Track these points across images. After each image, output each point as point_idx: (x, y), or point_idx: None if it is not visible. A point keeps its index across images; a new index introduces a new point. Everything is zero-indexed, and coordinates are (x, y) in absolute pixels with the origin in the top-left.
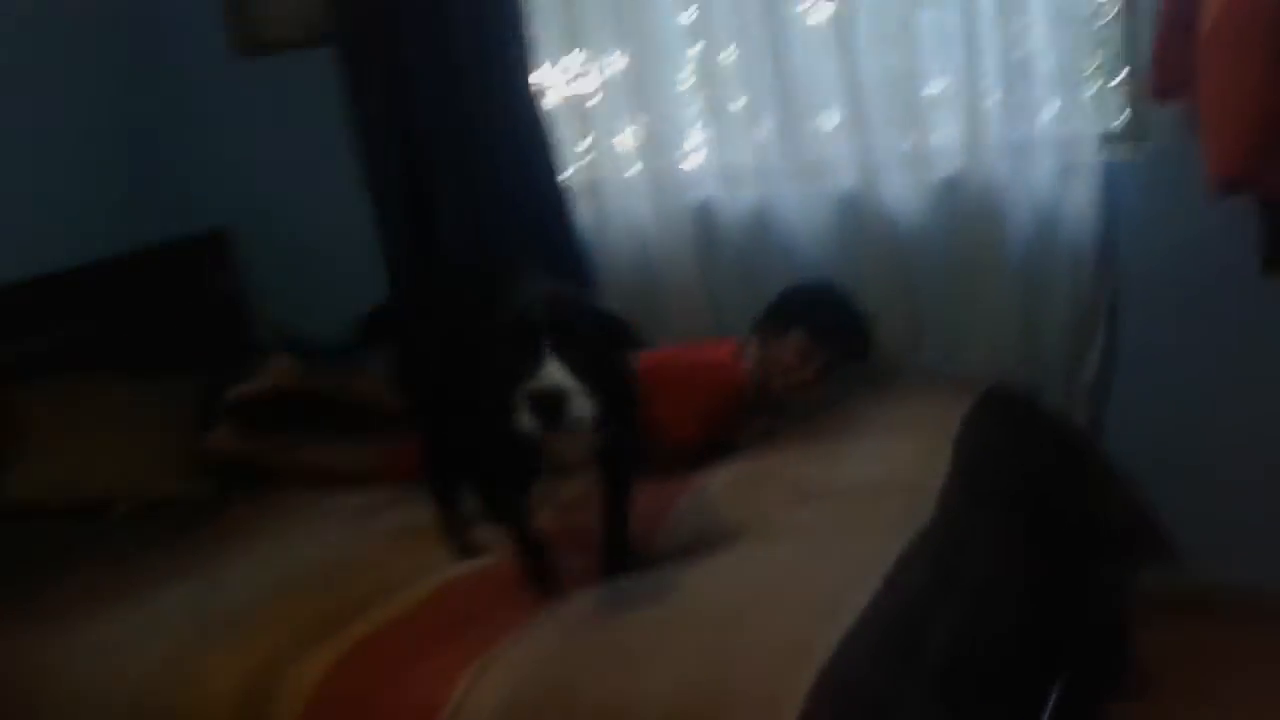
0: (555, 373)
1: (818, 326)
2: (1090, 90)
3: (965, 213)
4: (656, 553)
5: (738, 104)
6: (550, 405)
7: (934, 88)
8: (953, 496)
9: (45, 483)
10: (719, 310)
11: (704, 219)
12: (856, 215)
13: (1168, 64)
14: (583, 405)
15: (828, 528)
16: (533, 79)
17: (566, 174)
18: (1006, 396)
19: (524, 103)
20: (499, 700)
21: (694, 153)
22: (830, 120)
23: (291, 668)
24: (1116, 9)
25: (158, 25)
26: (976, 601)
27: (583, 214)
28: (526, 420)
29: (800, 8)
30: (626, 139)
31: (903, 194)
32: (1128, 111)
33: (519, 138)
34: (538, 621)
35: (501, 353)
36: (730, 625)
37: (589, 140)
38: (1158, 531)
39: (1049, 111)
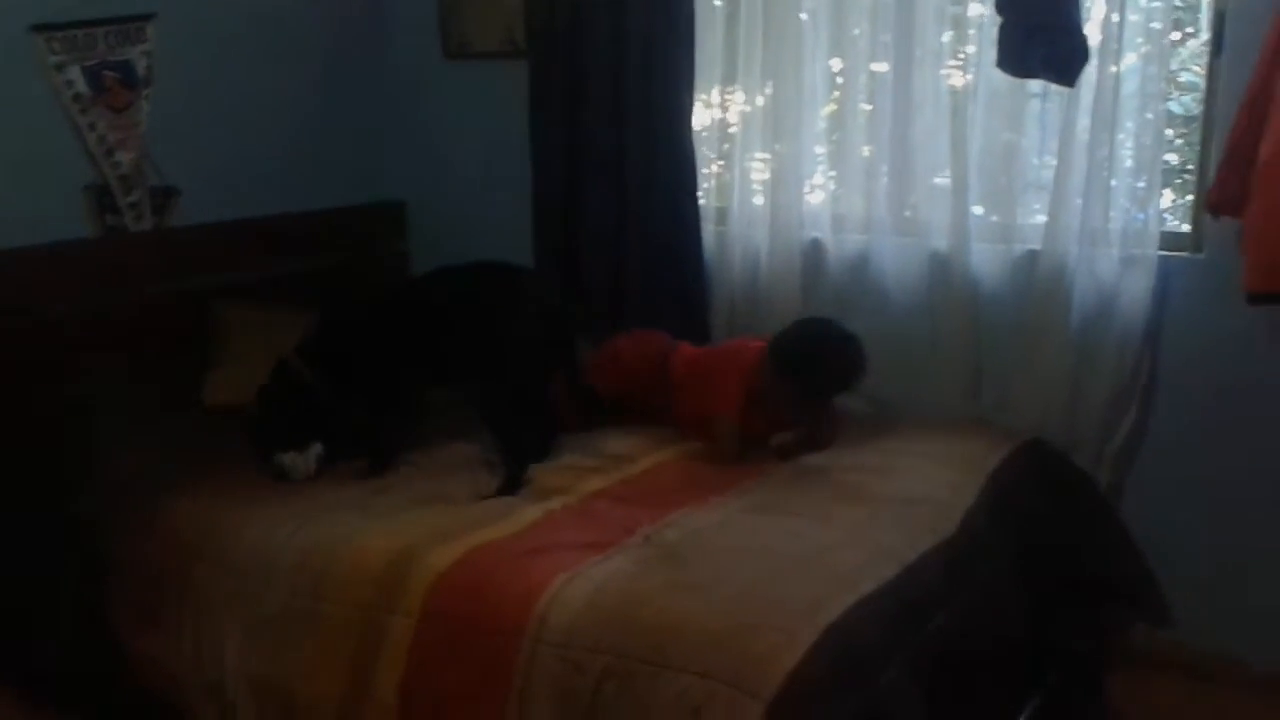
0: None
1: (809, 387)
2: (1161, 194)
3: (1038, 285)
4: (725, 509)
5: (864, 153)
6: None
7: (1029, 170)
8: (977, 518)
9: (235, 386)
10: None
11: (813, 255)
12: (945, 273)
13: (1227, 184)
14: None
15: (866, 522)
16: (689, 106)
17: (701, 194)
18: (1043, 449)
19: (678, 127)
20: (582, 601)
21: (818, 191)
22: (939, 183)
23: (424, 556)
24: (1195, 131)
25: (387, 27)
26: (979, 608)
27: (710, 233)
28: None
29: (938, 73)
30: (758, 170)
31: (988, 260)
32: (1190, 218)
33: (668, 158)
34: (619, 549)
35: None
36: (768, 577)
37: (724, 166)
38: (1156, 591)
39: (1124, 206)
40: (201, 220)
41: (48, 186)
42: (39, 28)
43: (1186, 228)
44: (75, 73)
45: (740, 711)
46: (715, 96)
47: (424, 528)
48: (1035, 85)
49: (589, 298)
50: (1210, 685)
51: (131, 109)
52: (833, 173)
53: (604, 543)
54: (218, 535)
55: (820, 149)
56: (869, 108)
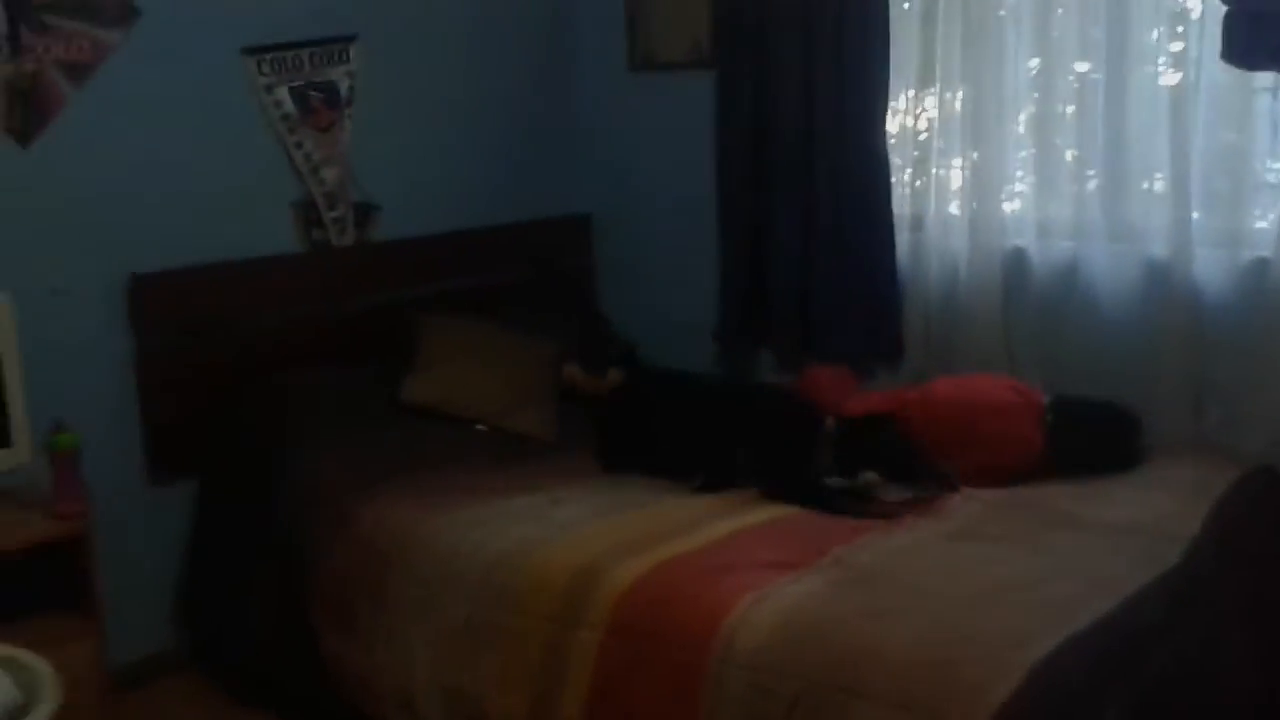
0: None
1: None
2: None
3: (1268, 294)
4: (922, 532)
5: (1068, 156)
6: None
7: (1258, 172)
8: (1201, 551)
9: (433, 392)
10: (1015, 355)
11: (1015, 265)
12: (1165, 283)
13: None
14: None
15: (1078, 551)
16: (881, 111)
17: (894, 202)
18: (1275, 476)
19: (872, 135)
20: (771, 622)
21: (1017, 198)
22: (1155, 186)
23: (610, 570)
24: None
25: (573, 41)
26: (1204, 650)
27: (902, 242)
28: None
29: (1146, 70)
30: (954, 176)
31: (1213, 269)
32: None
33: (861, 168)
34: (810, 569)
35: None
36: (968, 608)
37: (920, 172)
38: None
39: None
40: (399, 235)
41: (259, 203)
42: (249, 50)
43: None
44: (283, 93)
45: None
46: (909, 101)
47: (609, 540)
48: (1263, 80)
49: (777, 311)
50: None
51: (335, 128)
52: (1034, 179)
53: (794, 562)
54: (406, 544)
55: (1021, 154)
56: (1072, 109)
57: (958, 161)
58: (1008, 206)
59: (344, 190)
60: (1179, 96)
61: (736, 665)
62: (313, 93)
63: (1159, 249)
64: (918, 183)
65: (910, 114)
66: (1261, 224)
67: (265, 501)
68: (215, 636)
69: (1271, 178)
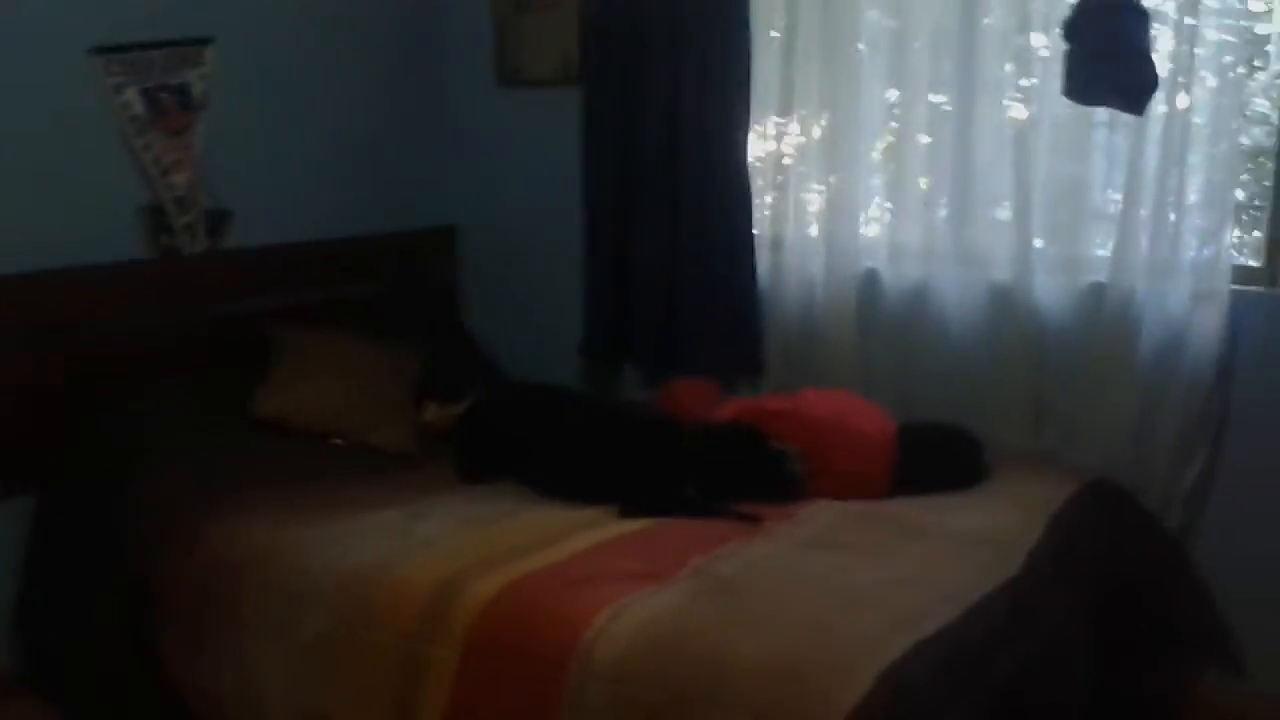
0: None
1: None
2: (1233, 227)
3: (1105, 318)
4: (779, 541)
5: (920, 184)
6: None
7: (1095, 201)
8: (1041, 559)
9: (287, 406)
10: (869, 371)
11: (869, 287)
12: (1008, 306)
13: None
14: None
15: (925, 560)
16: (744, 135)
17: (755, 225)
18: (1109, 489)
19: (734, 157)
20: (629, 635)
21: (871, 223)
22: (1000, 215)
23: (470, 585)
24: (1272, 163)
25: (441, 51)
26: (1044, 653)
27: (763, 262)
28: None
29: (995, 105)
30: (813, 200)
31: (1052, 293)
32: (1263, 252)
33: (723, 188)
34: (672, 581)
35: None
36: (822, 617)
37: (778, 196)
38: (1228, 639)
39: (1193, 239)
40: (254, 243)
41: (103, 207)
42: (99, 50)
43: (1255, 263)
44: (133, 94)
45: None
46: (771, 127)
47: (470, 554)
48: (1101, 115)
49: (640, 327)
50: None
51: (188, 131)
52: (889, 204)
53: (654, 573)
54: (259, 560)
55: (876, 180)
56: (927, 139)
57: (817, 186)
58: (863, 231)
59: (195, 195)
60: (1023, 129)
61: (596, 677)
62: (164, 95)
63: (1003, 273)
64: (779, 205)
65: (773, 139)
66: (1099, 251)
67: (107, 519)
68: (55, 660)
69: (1108, 208)
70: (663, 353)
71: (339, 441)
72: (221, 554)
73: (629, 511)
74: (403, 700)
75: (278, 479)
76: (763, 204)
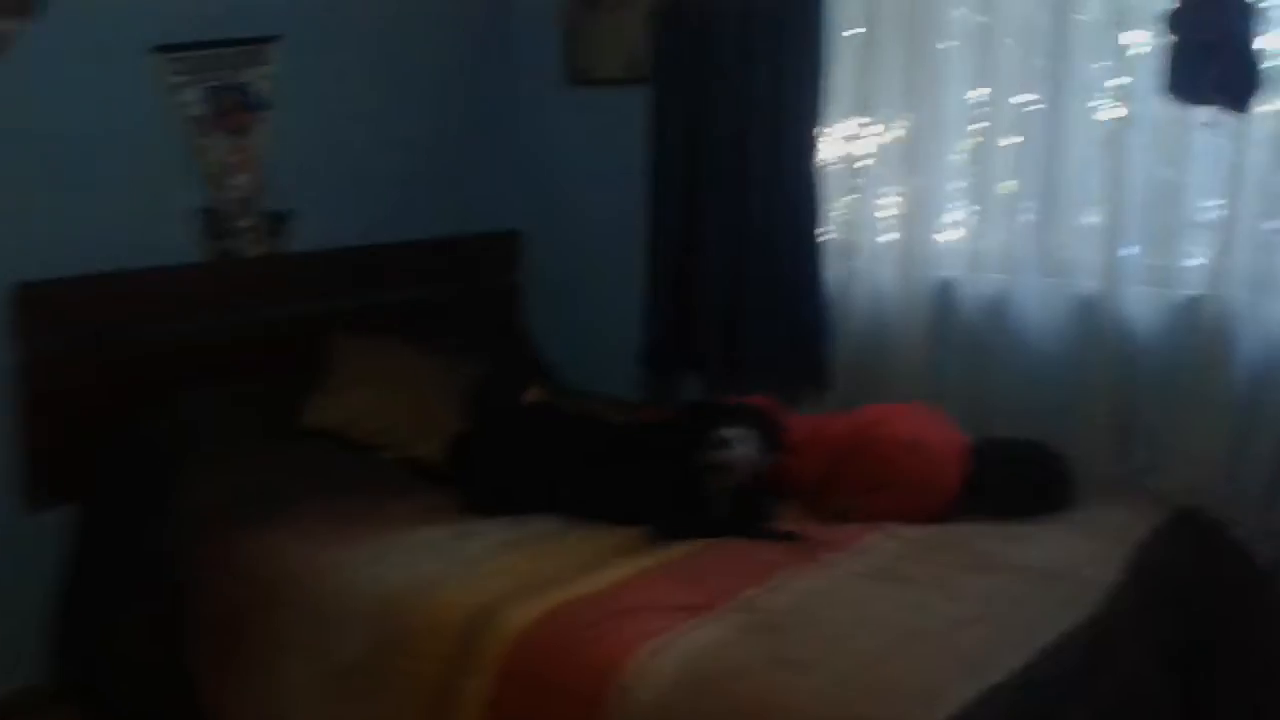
0: None
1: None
2: None
3: (1199, 334)
4: (836, 571)
5: (1004, 188)
6: None
7: (1193, 209)
8: (1123, 596)
9: (337, 417)
10: (942, 386)
11: (944, 297)
12: (1095, 319)
13: None
14: None
15: (994, 596)
16: (815, 137)
17: (826, 229)
18: (1198, 520)
19: (803, 158)
20: (671, 674)
21: (948, 229)
22: (1089, 221)
23: (506, 612)
24: None
25: (508, 53)
26: (1123, 700)
27: (832, 269)
28: None
29: (1087, 105)
30: (888, 206)
31: (1143, 305)
32: None
33: (791, 190)
34: (721, 614)
35: None
36: (880, 659)
37: (853, 201)
38: None
39: None
40: (315, 246)
41: (160, 209)
42: (161, 48)
43: None
44: (194, 94)
45: None
46: (847, 128)
47: (512, 578)
48: (1201, 117)
49: (704, 335)
50: None
51: (250, 132)
52: (975, 207)
53: (701, 605)
54: (297, 578)
55: (957, 184)
56: (1015, 140)
57: (895, 190)
58: (944, 238)
59: (256, 197)
60: (1117, 130)
61: (635, 718)
62: (226, 94)
63: (1090, 284)
64: (854, 210)
65: (849, 140)
66: (1195, 262)
67: (149, 530)
68: (89, 672)
69: (1206, 215)
70: (725, 363)
71: (389, 455)
72: (260, 570)
73: (659, 536)
74: None
75: (323, 492)
76: (837, 208)
